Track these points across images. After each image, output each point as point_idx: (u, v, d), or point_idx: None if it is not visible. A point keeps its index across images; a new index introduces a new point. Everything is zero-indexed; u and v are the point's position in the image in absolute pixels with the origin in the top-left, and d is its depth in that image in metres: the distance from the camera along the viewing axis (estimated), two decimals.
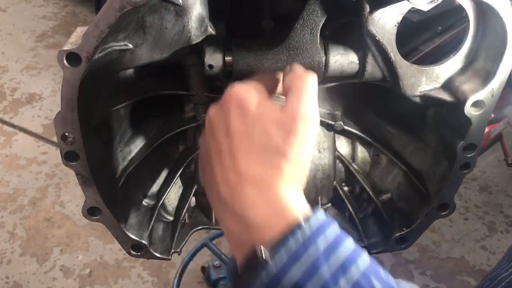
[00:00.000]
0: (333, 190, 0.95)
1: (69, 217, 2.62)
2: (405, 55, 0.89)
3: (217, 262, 2.18)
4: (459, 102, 0.74)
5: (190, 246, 2.15)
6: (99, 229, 2.53)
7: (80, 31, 0.68)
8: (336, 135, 0.94)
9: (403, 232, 0.87)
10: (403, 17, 0.71)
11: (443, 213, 0.84)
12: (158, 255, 0.86)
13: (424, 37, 1.89)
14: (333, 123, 0.89)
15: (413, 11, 0.70)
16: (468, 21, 0.73)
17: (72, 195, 2.72)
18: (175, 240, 0.91)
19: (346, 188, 0.97)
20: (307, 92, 0.63)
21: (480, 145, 0.77)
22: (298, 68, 0.68)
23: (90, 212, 0.78)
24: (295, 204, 0.54)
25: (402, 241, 0.88)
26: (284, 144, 0.57)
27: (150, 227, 0.87)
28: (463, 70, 0.76)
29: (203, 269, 2.28)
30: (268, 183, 0.55)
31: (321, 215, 0.53)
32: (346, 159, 0.95)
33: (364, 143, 0.95)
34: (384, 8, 0.70)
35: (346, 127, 0.90)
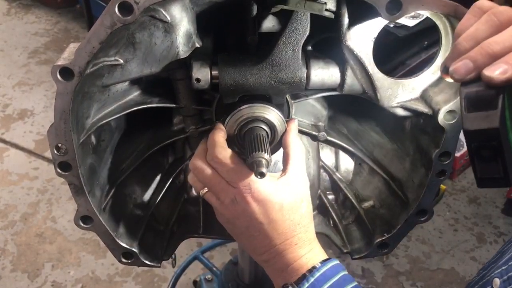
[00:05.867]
0: (318, 199, 0.98)
1: (60, 232, 2.61)
2: (393, 69, 0.93)
3: (209, 276, 2.18)
4: (434, 112, 0.78)
5: (182, 260, 2.16)
6: (90, 244, 2.52)
7: (73, 47, 0.72)
8: (320, 145, 0.97)
9: (384, 238, 0.90)
10: (391, 33, 0.75)
11: (422, 219, 0.88)
12: (148, 262, 0.89)
13: (411, 52, 1.93)
14: (316, 133, 0.92)
15: (399, 27, 0.74)
16: (440, 35, 0.78)
17: (64, 210, 2.72)
18: (165, 248, 0.93)
19: (330, 197, 1.00)
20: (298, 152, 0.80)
21: (454, 153, 0.81)
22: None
23: (82, 220, 0.81)
24: (308, 260, 0.76)
25: (384, 246, 0.92)
26: (300, 218, 0.76)
27: (140, 235, 0.90)
28: (437, 82, 0.81)
29: (195, 283, 2.28)
30: (292, 251, 0.76)
31: (325, 266, 0.74)
32: (330, 168, 0.98)
33: (347, 152, 0.99)
34: (361, 25, 0.75)
35: (329, 138, 0.93)
